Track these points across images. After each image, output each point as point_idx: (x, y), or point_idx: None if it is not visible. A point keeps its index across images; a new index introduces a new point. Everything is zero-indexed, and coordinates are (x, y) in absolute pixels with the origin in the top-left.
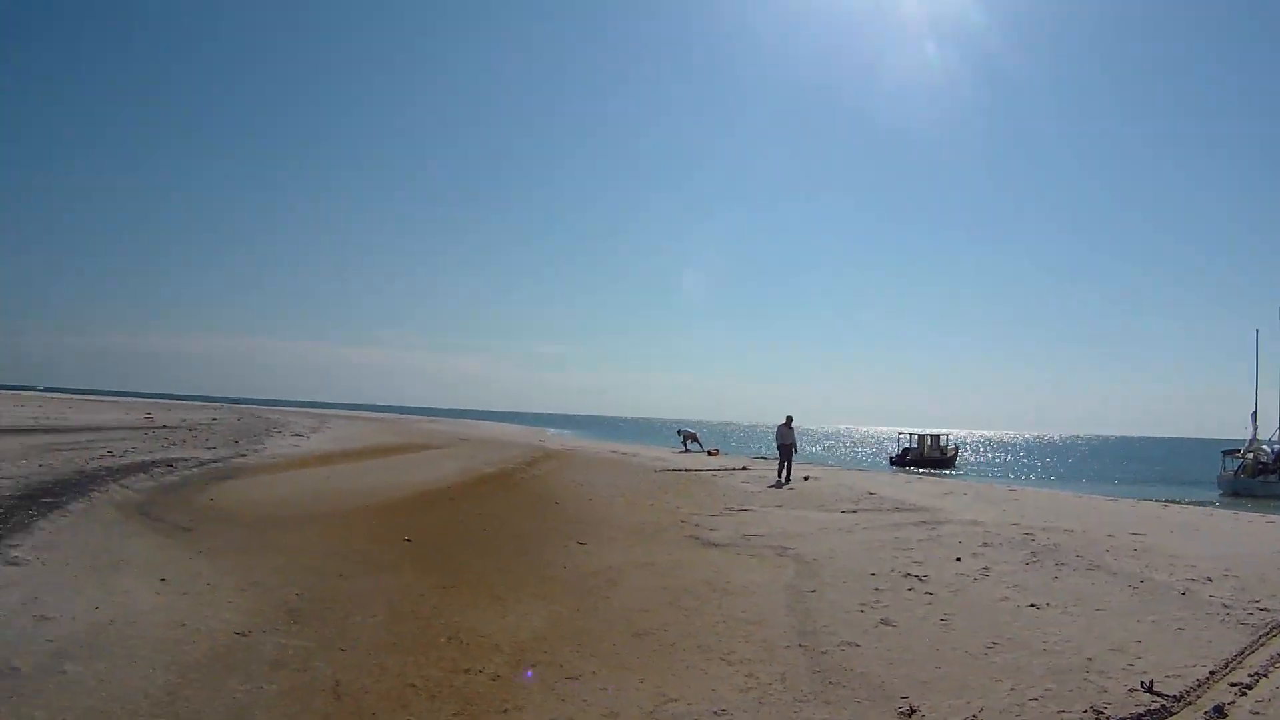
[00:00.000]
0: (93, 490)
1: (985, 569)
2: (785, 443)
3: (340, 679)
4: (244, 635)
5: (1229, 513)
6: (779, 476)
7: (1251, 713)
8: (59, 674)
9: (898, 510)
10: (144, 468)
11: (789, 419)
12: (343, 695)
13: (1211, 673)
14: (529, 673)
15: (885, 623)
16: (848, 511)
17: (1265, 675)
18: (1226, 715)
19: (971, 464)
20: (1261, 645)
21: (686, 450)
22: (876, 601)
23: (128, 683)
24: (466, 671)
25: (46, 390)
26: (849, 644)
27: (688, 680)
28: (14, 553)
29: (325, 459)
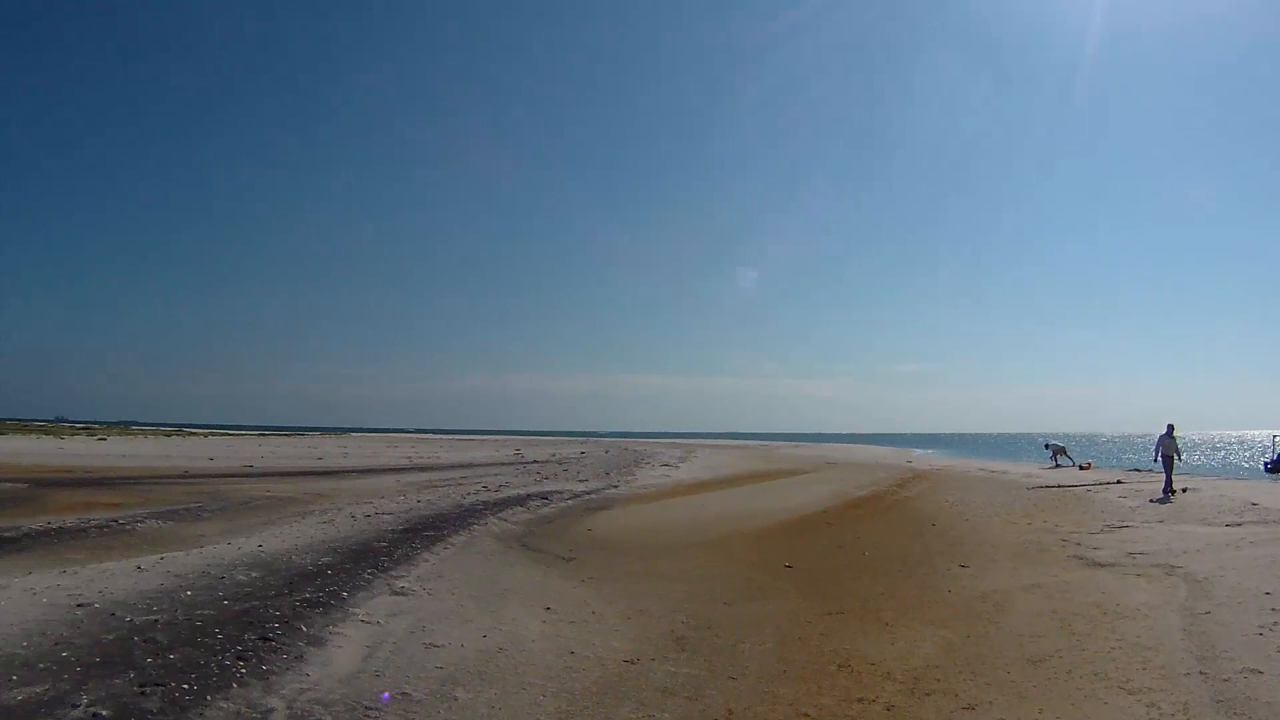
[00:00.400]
0: (472, 523)
1: None
2: (1169, 453)
3: (732, 707)
4: (633, 663)
5: None
6: (1167, 489)
7: None
8: (450, 700)
9: None
10: (520, 501)
11: (1170, 427)
12: None
13: None
14: None
15: None
16: (1232, 525)
17: None
18: None
19: None
20: None
21: (1057, 465)
22: (1275, 624)
23: (518, 710)
24: (860, 700)
25: (417, 431)
26: (1251, 670)
27: (1087, 710)
28: (400, 583)
29: (696, 487)
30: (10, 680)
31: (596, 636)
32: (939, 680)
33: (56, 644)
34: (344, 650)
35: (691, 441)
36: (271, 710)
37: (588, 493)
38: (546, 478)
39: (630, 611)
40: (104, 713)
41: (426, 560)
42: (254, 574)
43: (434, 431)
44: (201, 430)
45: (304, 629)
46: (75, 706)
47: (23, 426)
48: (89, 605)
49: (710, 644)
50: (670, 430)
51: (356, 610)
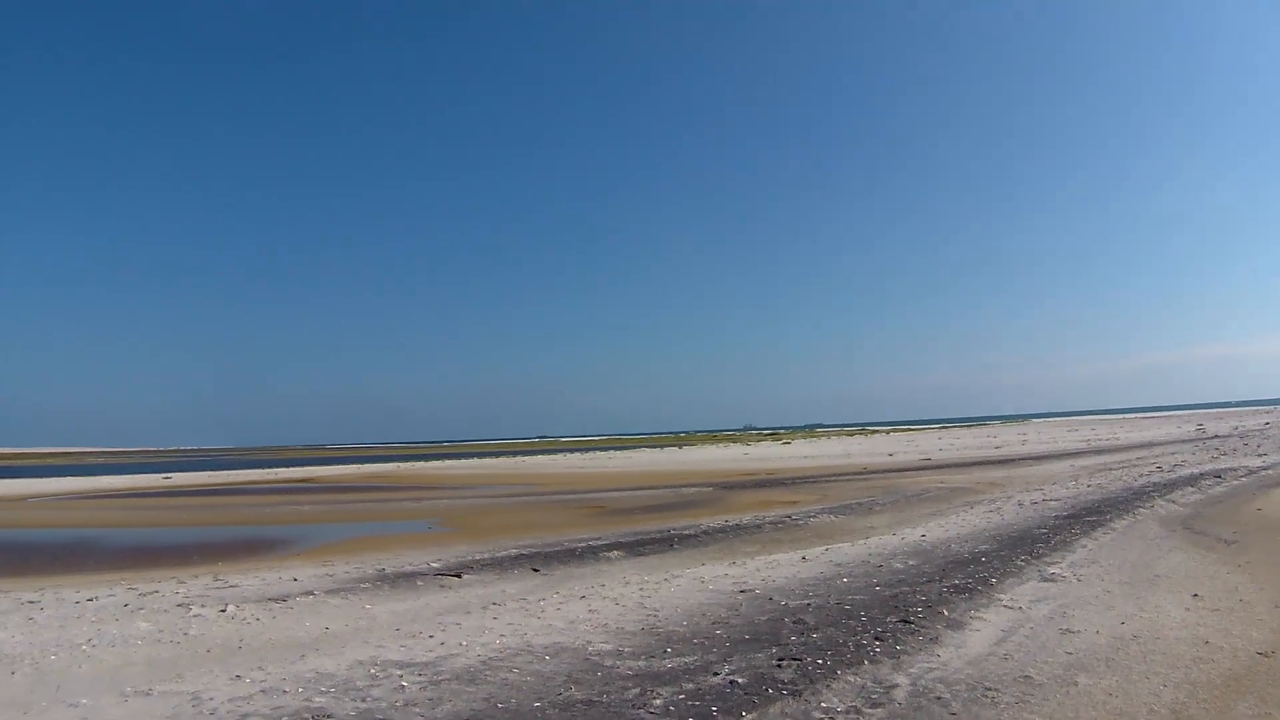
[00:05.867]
0: (1137, 506)
1: None
2: None
3: None
4: (1266, 656)
5: None
6: None
7: None
8: (1069, 685)
9: None
10: (1191, 480)
11: None
12: None
13: None
14: None
15: None
16: None
17: None
18: None
19: None
20: None
21: None
22: None
23: (1135, 698)
24: None
25: (1098, 413)
26: None
27: None
28: (1052, 569)
29: None
30: (665, 651)
31: (1237, 625)
32: None
33: (713, 623)
34: (980, 634)
35: None
36: (895, 686)
37: (1265, 468)
38: (1224, 454)
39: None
40: (740, 680)
41: (1084, 546)
42: (910, 562)
43: (1116, 411)
44: (884, 427)
45: (945, 613)
46: (716, 674)
47: (713, 436)
48: (750, 591)
49: None
50: None
51: (1001, 596)
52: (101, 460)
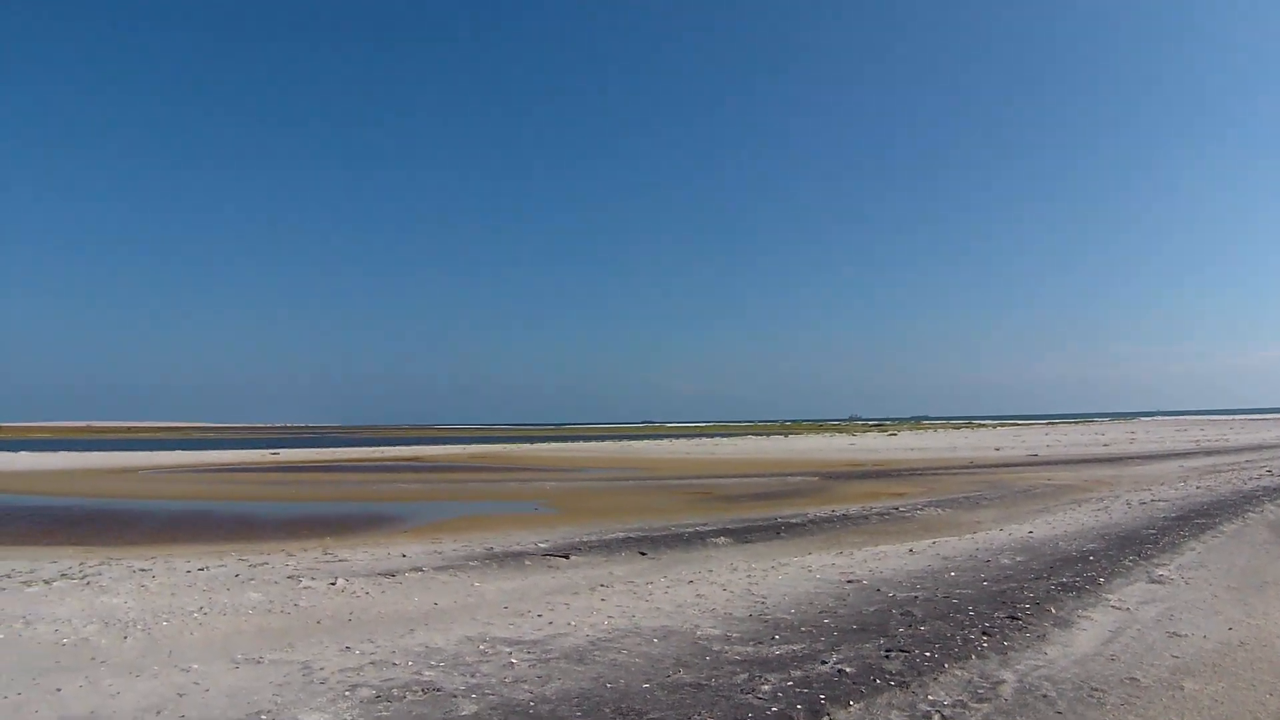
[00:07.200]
0: (1246, 510)
1: None
2: None
3: None
4: None
5: None
6: None
7: None
8: (1175, 689)
9: None
10: None
11: None
12: None
13: None
14: None
15: None
16: None
17: None
18: None
19: None
20: None
21: None
22: None
23: (1240, 705)
24: None
25: (1200, 413)
26: None
27: None
28: (1160, 571)
29: None
30: (774, 639)
31: None
32: None
33: (821, 612)
34: (1087, 633)
35: None
36: (1002, 682)
37: None
38: None
39: None
40: (848, 669)
41: (1192, 549)
42: (1018, 558)
43: (1224, 412)
44: (990, 421)
45: (1053, 610)
46: (824, 663)
47: (818, 426)
48: (857, 582)
49: None
50: None
51: (1109, 596)
52: (210, 435)
